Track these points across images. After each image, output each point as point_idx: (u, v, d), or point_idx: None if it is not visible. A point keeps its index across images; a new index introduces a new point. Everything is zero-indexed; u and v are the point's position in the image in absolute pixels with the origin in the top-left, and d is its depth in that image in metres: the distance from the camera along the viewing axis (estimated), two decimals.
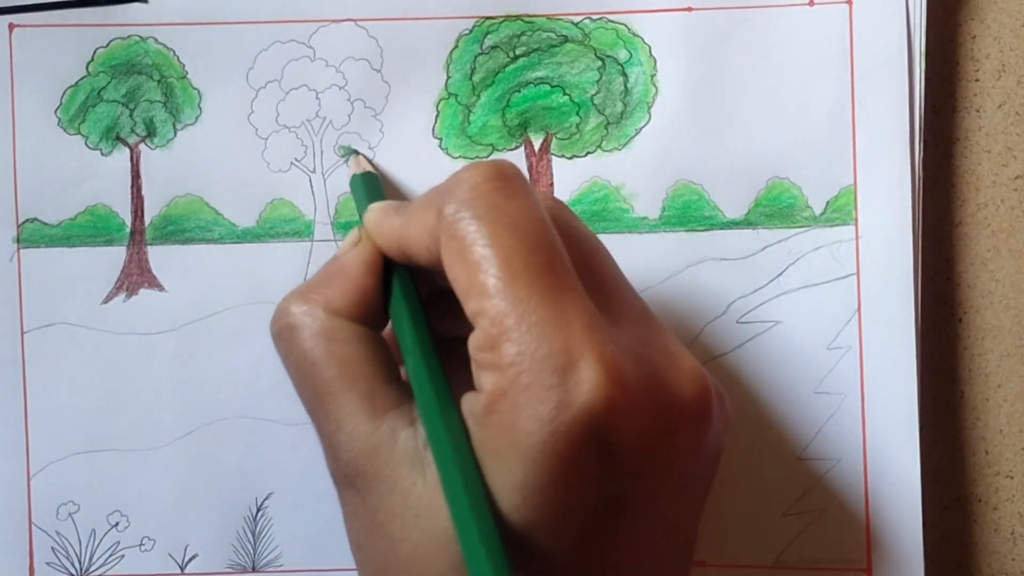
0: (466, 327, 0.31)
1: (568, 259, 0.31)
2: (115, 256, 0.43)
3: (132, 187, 0.43)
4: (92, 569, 0.43)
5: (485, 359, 0.30)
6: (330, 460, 0.34)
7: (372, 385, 0.33)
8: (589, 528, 0.30)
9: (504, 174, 0.32)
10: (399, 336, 0.34)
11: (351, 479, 0.33)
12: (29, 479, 0.43)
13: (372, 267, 0.35)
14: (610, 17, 0.43)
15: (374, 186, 0.40)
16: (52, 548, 0.43)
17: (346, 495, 0.34)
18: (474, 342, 0.30)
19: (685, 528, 0.36)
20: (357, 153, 0.43)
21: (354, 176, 0.41)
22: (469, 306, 0.30)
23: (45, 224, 0.43)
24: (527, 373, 0.29)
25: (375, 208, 0.36)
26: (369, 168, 0.42)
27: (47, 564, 0.43)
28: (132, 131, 0.43)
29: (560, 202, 0.35)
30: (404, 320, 0.34)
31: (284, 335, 0.34)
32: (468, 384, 0.31)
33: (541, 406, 0.29)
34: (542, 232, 0.31)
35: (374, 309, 0.35)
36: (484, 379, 0.30)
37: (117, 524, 0.43)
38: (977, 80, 0.44)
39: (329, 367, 0.33)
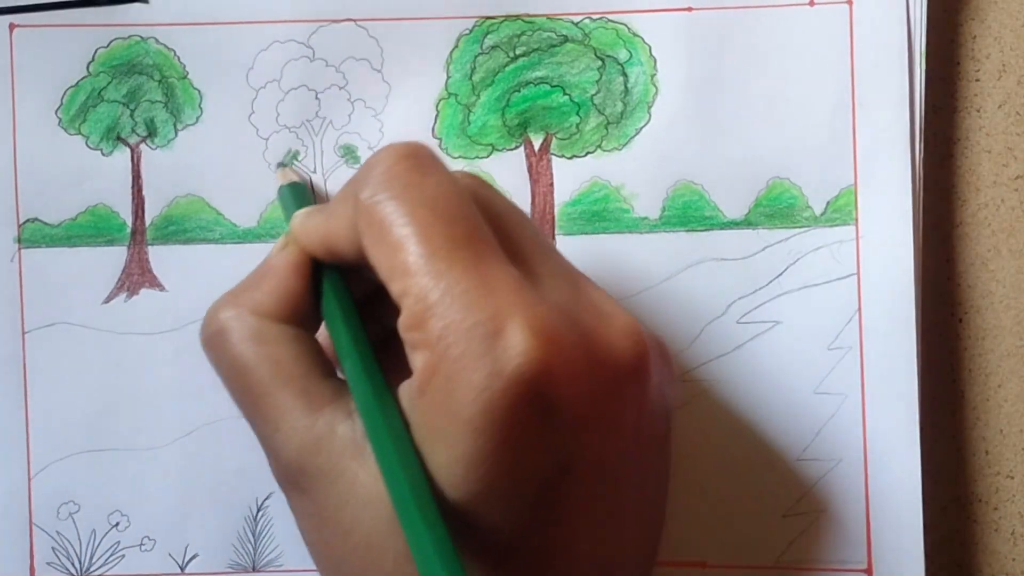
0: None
1: (488, 230, 0.31)
2: (116, 256, 0.43)
3: (133, 187, 0.43)
4: (92, 569, 0.43)
5: (414, 338, 0.30)
6: (272, 463, 0.34)
7: (306, 383, 0.33)
8: (537, 496, 0.30)
9: (416, 153, 0.32)
10: (332, 334, 0.34)
11: (295, 478, 0.33)
12: (30, 479, 0.43)
13: (300, 268, 0.35)
14: (610, 17, 0.43)
15: (302, 195, 0.41)
16: (52, 548, 0.43)
17: (293, 497, 0.34)
18: (402, 323, 0.30)
19: (648, 489, 0.36)
20: (283, 165, 0.43)
21: (281, 187, 0.42)
22: (394, 288, 0.30)
23: (46, 224, 0.43)
24: (456, 345, 0.29)
25: (300, 213, 0.36)
26: (296, 179, 0.42)
27: (47, 564, 0.43)
28: (133, 131, 0.43)
29: (478, 177, 0.35)
30: (336, 317, 0.34)
31: (214, 341, 0.34)
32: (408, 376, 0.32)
33: (474, 375, 0.28)
34: (459, 206, 0.31)
35: (303, 310, 0.35)
36: (416, 358, 0.30)
37: (117, 524, 0.43)
38: (977, 80, 0.44)
39: (261, 369, 0.33)
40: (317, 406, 0.32)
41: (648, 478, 0.35)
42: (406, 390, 0.31)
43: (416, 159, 0.32)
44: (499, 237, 0.32)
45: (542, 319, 0.29)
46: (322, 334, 0.35)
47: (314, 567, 0.43)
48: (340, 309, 0.34)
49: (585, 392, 0.30)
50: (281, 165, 0.43)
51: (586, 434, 0.30)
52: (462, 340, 0.29)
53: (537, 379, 0.29)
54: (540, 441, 0.29)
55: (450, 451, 0.29)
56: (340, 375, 0.34)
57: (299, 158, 0.43)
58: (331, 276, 0.35)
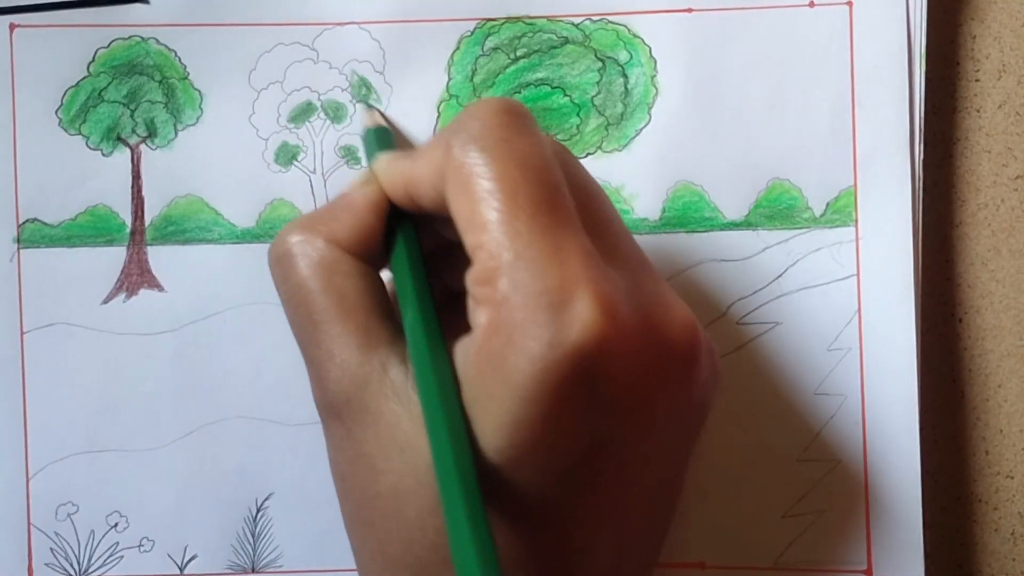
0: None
1: (570, 199, 0.31)
2: (115, 256, 0.43)
3: (132, 187, 0.43)
4: (91, 570, 0.43)
5: (481, 293, 0.30)
6: (317, 390, 0.34)
7: (367, 319, 0.33)
8: (573, 468, 0.30)
9: (514, 110, 0.32)
10: (397, 280, 0.34)
11: (338, 409, 0.33)
12: (28, 480, 0.43)
13: (378, 207, 0.34)
14: (610, 18, 0.43)
15: (386, 140, 0.40)
16: (51, 549, 0.43)
17: (332, 426, 0.34)
18: (471, 276, 0.30)
19: (670, 478, 0.36)
20: (371, 107, 0.43)
21: (367, 130, 0.41)
22: (469, 240, 0.30)
23: (45, 224, 0.43)
24: (521, 308, 0.29)
25: (385, 155, 0.36)
26: (383, 123, 0.42)
27: (46, 565, 0.43)
28: (133, 131, 0.43)
29: (564, 147, 0.35)
30: (403, 264, 0.34)
31: (283, 261, 0.34)
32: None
33: (534, 342, 0.28)
34: (547, 170, 0.31)
35: (375, 249, 0.34)
36: (479, 315, 0.30)
37: (116, 525, 0.43)
38: (977, 80, 0.44)
39: (325, 297, 0.33)
40: (374, 344, 0.32)
41: (672, 470, 0.36)
42: (463, 345, 0.31)
43: (512, 116, 0.32)
44: (579, 209, 0.31)
45: (608, 296, 0.29)
46: (387, 280, 0.35)
47: (315, 568, 0.43)
48: (408, 257, 0.34)
49: (638, 373, 0.30)
50: (366, 105, 0.43)
51: (629, 414, 0.31)
52: (527, 304, 0.29)
53: (595, 354, 0.29)
54: (585, 415, 0.30)
55: (496, 414, 0.29)
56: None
57: (371, 98, 0.43)
58: (405, 226, 0.35)
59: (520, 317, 0.29)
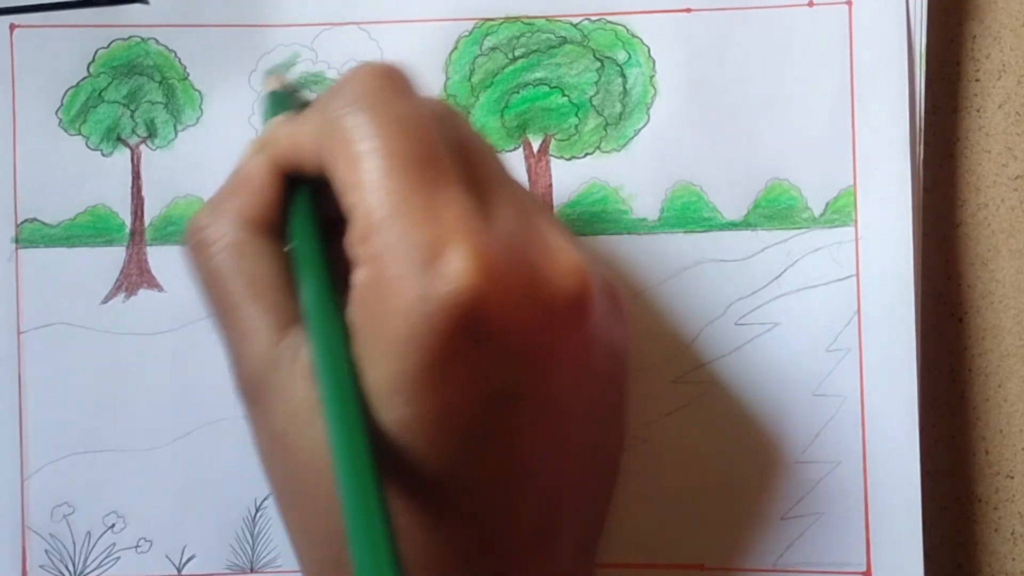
0: None
1: (447, 157, 0.31)
2: (114, 256, 0.43)
3: (132, 188, 0.43)
4: (87, 571, 0.43)
5: (358, 253, 0.30)
6: (235, 372, 0.34)
7: (278, 299, 0.33)
8: (475, 425, 0.30)
9: (391, 73, 0.32)
10: (294, 255, 0.34)
11: (254, 390, 0.33)
12: (23, 481, 0.43)
13: (276, 176, 0.34)
14: (609, 18, 0.43)
15: (284, 103, 0.39)
16: (46, 551, 0.43)
17: (250, 408, 0.34)
18: (349, 238, 0.30)
19: (600, 434, 0.36)
20: (273, 73, 0.42)
21: (263, 96, 0.40)
22: (346, 200, 0.30)
23: (45, 224, 0.43)
24: (394, 264, 0.29)
25: (273, 120, 0.36)
26: (277, 88, 0.41)
27: (40, 567, 0.43)
28: (133, 132, 0.43)
29: (448, 106, 0.35)
30: (297, 230, 0.34)
31: (196, 251, 0.34)
32: None
33: (406, 296, 0.29)
34: (422, 129, 0.31)
35: (279, 220, 0.34)
36: (357, 275, 0.30)
37: (113, 526, 0.43)
38: (977, 80, 0.44)
39: (236, 280, 0.33)
40: (284, 324, 0.32)
41: (596, 419, 0.35)
42: (349, 310, 0.31)
43: (389, 78, 0.32)
44: (460, 164, 0.32)
45: (483, 247, 0.29)
46: None
47: None
48: (300, 224, 0.34)
49: (521, 323, 0.30)
50: (270, 72, 0.42)
51: (523, 366, 0.31)
52: (400, 260, 0.29)
53: (468, 307, 0.29)
54: (470, 368, 0.30)
55: (382, 371, 0.29)
56: None
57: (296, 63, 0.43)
58: (300, 190, 0.35)
59: (393, 272, 0.29)
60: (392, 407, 0.29)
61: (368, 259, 0.30)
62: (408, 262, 0.29)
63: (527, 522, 0.33)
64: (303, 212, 0.34)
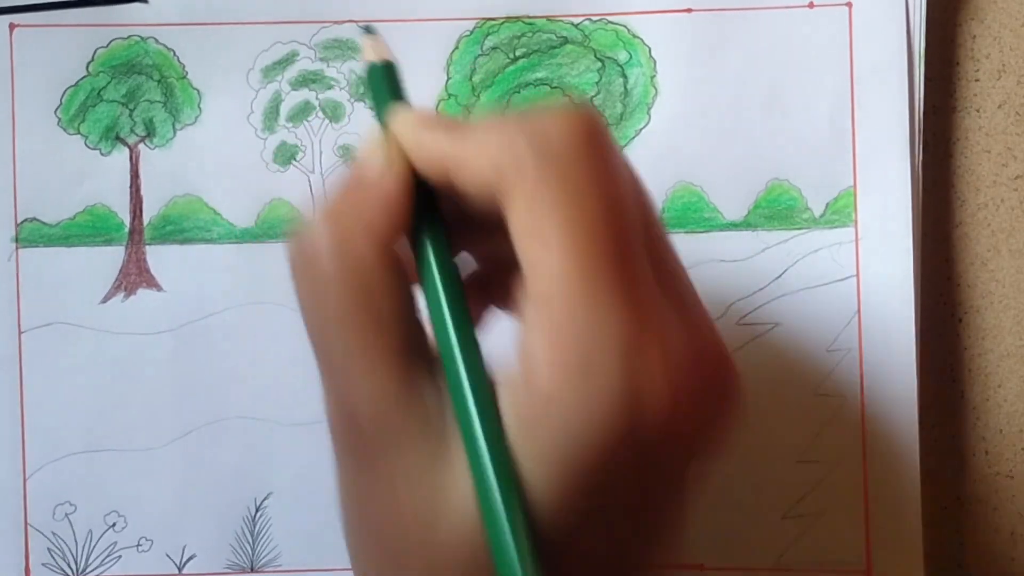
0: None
1: (643, 248, 0.28)
2: (113, 256, 0.43)
3: (131, 187, 0.43)
4: (89, 570, 0.43)
5: (534, 319, 0.27)
6: (337, 418, 0.30)
7: (399, 343, 0.28)
8: (620, 527, 0.29)
9: (599, 129, 0.28)
10: (429, 304, 0.29)
11: (362, 446, 0.29)
12: (25, 480, 0.43)
13: (409, 189, 0.29)
14: (610, 18, 0.43)
15: (395, 82, 0.32)
16: (48, 549, 0.43)
17: (346, 459, 0.30)
18: (529, 296, 0.27)
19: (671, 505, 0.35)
20: (370, 32, 0.33)
21: (372, 65, 0.32)
22: (524, 248, 0.27)
23: (44, 224, 0.43)
24: (588, 354, 0.26)
25: (408, 117, 0.30)
26: (388, 57, 0.33)
27: (43, 565, 0.43)
28: (132, 131, 0.43)
29: (629, 164, 0.31)
30: (433, 288, 0.29)
31: (306, 268, 0.29)
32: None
33: (591, 388, 0.26)
34: (626, 216, 0.28)
35: (401, 237, 0.29)
36: (532, 341, 0.27)
37: (114, 524, 0.43)
38: (977, 80, 0.44)
39: (356, 315, 0.28)
40: (406, 370, 0.28)
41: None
42: (509, 381, 0.28)
43: (597, 136, 0.28)
44: (645, 240, 0.29)
45: (673, 361, 0.27)
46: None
47: (313, 568, 0.43)
48: (442, 280, 0.29)
49: (690, 434, 0.29)
50: (367, 31, 0.33)
51: (670, 467, 0.29)
52: (589, 346, 0.26)
53: (655, 419, 0.27)
54: (636, 481, 0.28)
55: (547, 476, 0.27)
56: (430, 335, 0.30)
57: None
58: (435, 233, 0.30)
59: (586, 364, 0.26)
60: (550, 493, 0.27)
61: (548, 329, 0.27)
62: (601, 352, 0.26)
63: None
64: (442, 262, 0.29)
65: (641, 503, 0.29)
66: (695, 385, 0.28)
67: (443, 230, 0.30)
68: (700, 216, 0.43)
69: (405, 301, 0.29)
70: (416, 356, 0.29)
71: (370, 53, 0.32)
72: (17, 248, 0.43)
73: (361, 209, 0.28)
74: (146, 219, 0.43)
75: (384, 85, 0.32)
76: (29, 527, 0.43)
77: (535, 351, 0.27)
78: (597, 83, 0.43)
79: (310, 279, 0.29)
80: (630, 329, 0.27)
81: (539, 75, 0.43)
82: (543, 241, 0.27)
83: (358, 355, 0.28)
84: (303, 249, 0.29)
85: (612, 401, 0.26)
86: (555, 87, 0.43)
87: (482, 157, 0.28)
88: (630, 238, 0.28)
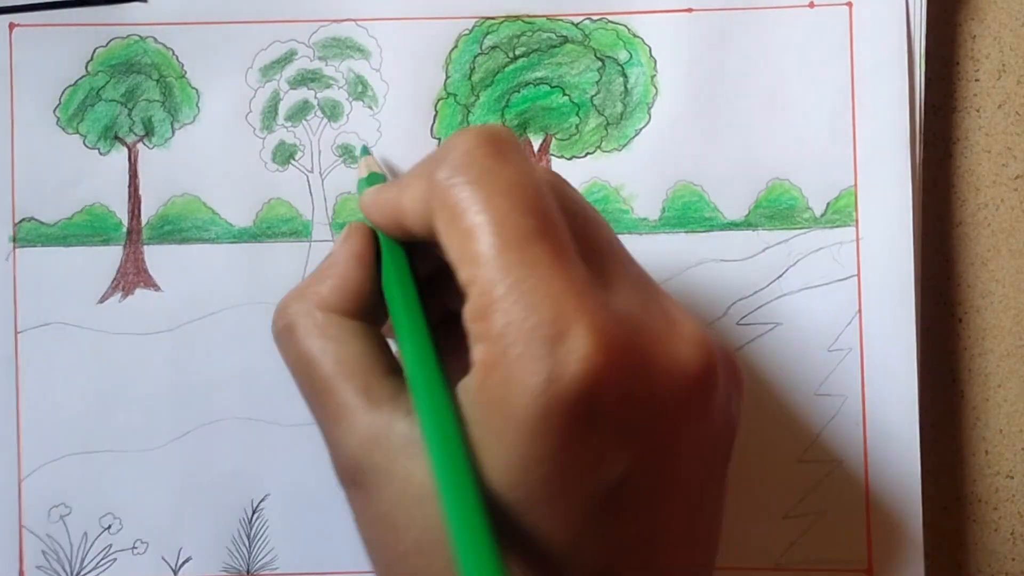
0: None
1: (563, 226, 0.30)
2: (111, 256, 0.43)
3: (130, 186, 0.43)
4: (83, 572, 0.43)
5: (477, 330, 0.29)
6: (333, 457, 0.33)
7: (368, 379, 0.32)
8: (593, 506, 0.29)
9: (498, 138, 0.31)
10: (393, 318, 0.34)
11: (353, 474, 0.32)
12: (20, 481, 0.43)
13: (362, 259, 0.34)
14: (610, 18, 0.43)
15: (377, 180, 0.40)
16: (43, 551, 0.43)
17: (351, 493, 0.33)
18: (467, 313, 0.30)
19: (708, 501, 0.35)
20: (367, 153, 0.43)
21: (360, 181, 0.41)
22: (461, 275, 0.30)
23: (42, 223, 0.43)
24: (516, 344, 0.28)
25: (370, 189, 0.35)
26: (377, 169, 0.41)
27: (37, 568, 0.43)
28: (130, 130, 0.43)
29: (555, 173, 0.34)
30: (396, 300, 0.33)
31: (283, 336, 0.34)
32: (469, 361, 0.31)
33: (532, 378, 0.28)
34: (536, 197, 0.30)
35: (368, 302, 0.34)
36: (476, 351, 0.29)
37: (110, 527, 0.43)
38: (977, 80, 0.44)
39: (325, 365, 0.33)
40: (377, 403, 0.32)
41: (713, 489, 0.35)
42: (465, 384, 0.30)
43: (497, 144, 0.31)
44: (575, 235, 0.31)
45: (606, 325, 0.29)
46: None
47: (309, 570, 0.43)
48: (400, 291, 0.34)
49: (645, 402, 0.29)
50: (365, 151, 0.43)
51: (642, 447, 0.30)
52: (523, 340, 0.28)
53: (596, 387, 0.28)
54: (596, 449, 0.29)
55: (503, 453, 0.29)
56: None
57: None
58: (396, 257, 0.35)
59: (516, 352, 0.28)
60: (517, 488, 0.29)
61: (487, 337, 0.29)
62: (532, 342, 0.28)
63: None
64: (402, 282, 0.34)
65: (617, 489, 0.30)
66: (648, 366, 0.30)
67: (410, 278, 0.34)
68: (700, 216, 0.43)
69: (366, 351, 0.33)
70: (384, 395, 0.32)
71: (361, 171, 0.41)
72: (15, 248, 0.43)
73: (319, 283, 0.34)
74: (144, 219, 0.43)
75: (367, 185, 0.38)
76: (24, 529, 0.43)
77: (477, 356, 0.29)
78: (597, 82, 0.43)
79: (286, 345, 0.34)
80: (553, 304, 0.28)
81: (539, 74, 0.43)
82: (462, 237, 0.29)
83: (328, 403, 0.32)
84: (279, 317, 0.34)
85: (542, 389, 0.28)
86: (555, 86, 0.43)
87: (412, 197, 0.32)
88: (545, 222, 0.30)
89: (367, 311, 0.34)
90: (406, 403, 0.32)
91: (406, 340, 0.32)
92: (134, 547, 0.43)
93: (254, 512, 0.43)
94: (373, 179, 0.40)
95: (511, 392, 0.28)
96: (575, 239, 0.31)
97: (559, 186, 0.33)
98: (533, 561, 0.29)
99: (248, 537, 0.43)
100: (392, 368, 0.33)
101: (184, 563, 0.43)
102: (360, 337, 0.33)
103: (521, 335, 0.28)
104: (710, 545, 0.36)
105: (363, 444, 0.31)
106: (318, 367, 0.33)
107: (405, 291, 0.34)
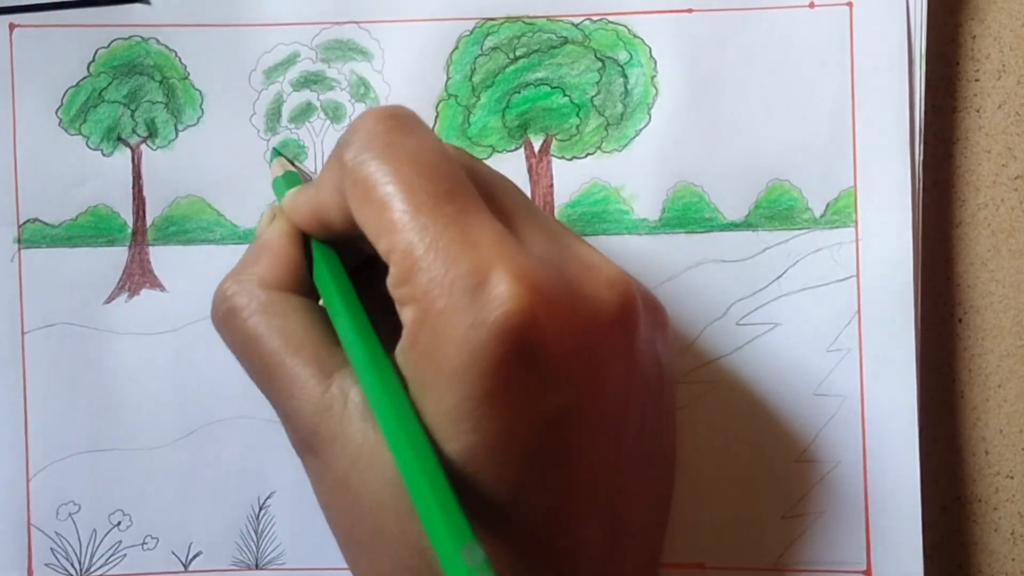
0: None
1: (471, 187, 0.32)
2: (117, 256, 0.43)
3: (134, 188, 0.43)
4: (93, 569, 0.43)
5: (402, 294, 0.30)
6: (289, 430, 0.34)
7: (316, 350, 0.33)
8: (532, 449, 0.30)
9: (397, 114, 0.32)
10: (326, 300, 0.35)
11: (309, 443, 0.33)
12: (28, 480, 0.43)
13: (293, 238, 0.35)
14: (610, 18, 0.43)
15: (294, 182, 0.40)
16: (51, 549, 0.43)
17: (308, 461, 0.34)
18: (391, 280, 0.30)
19: (650, 444, 0.36)
20: (279, 154, 0.43)
21: (275, 180, 0.41)
22: (381, 246, 0.31)
23: (46, 224, 0.43)
24: (440, 298, 0.29)
25: (290, 193, 0.36)
26: (291, 168, 0.42)
27: (46, 565, 0.43)
28: (133, 132, 0.43)
29: (460, 148, 0.36)
30: (327, 284, 0.34)
31: (226, 320, 0.35)
32: None
33: (458, 327, 0.29)
34: (442, 162, 0.31)
35: (305, 280, 0.35)
36: (405, 314, 0.30)
37: (119, 524, 0.43)
38: (977, 80, 0.44)
39: (272, 340, 0.33)
40: (328, 372, 0.33)
41: (647, 431, 0.35)
42: (400, 348, 0.31)
43: (397, 119, 0.32)
44: (486, 200, 0.32)
45: (524, 269, 0.29)
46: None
47: (316, 565, 0.43)
48: (331, 275, 0.34)
49: (571, 341, 0.30)
50: (276, 153, 0.43)
51: (575, 384, 0.31)
52: (446, 292, 0.29)
53: (520, 328, 0.29)
54: (527, 390, 0.30)
55: (440, 403, 0.29)
56: None
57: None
58: (321, 245, 0.35)
59: (441, 305, 0.29)
60: (455, 438, 0.30)
61: (413, 297, 0.30)
62: (455, 293, 0.29)
63: (594, 546, 0.33)
64: (331, 262, 0.35)
65: (555, 429, 0.31)
66: (570, 305, 0.31)
67: (336, 258, 0.35)
68: (700, 216, 0.43)
69: (311, 323, 0.34)
70: (334, 364, 0.33)
71: (275, 170, 0.41)
72: (19, 249, 0.43)
73: (253, 264, 0.35)
74: (149, 220, 0.43)
75: (283, 188, 0.39)
76: (32, 527, 0.43)
77: (406, 318, 0.30)
78: (597, 83, 0.43)
79: (230, 328, 0.35)
80: (471, 255, 0.29)
81: (539, 75, 0.43)
82: (376, 209, 0.31)
83: (280, 376, 0.33)
84: (219, 302, 0.35)
85: (468, 336, 0.29)
86: (555, 87, 0.43)
87: (327, 189, 0.33)
88: (454, 184, 0.31)
89: (306, 286, 0.35)
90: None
91: (338, 311, 0.33)
92: (144, 543, 0.43)
93: (261, 508, 0.43)
94: (289, 178, 0.40)
95: (440, 344, 0.29)
96: (488, 203, 0.32)
97: (464, 157, 0.35)
98: (480, 510, 0.30)
99: (256, 532, 0.43)
100: (338, 340, 0.34)
101: (194, 557, 0.43)
102: (303, 311, 0.34)
103: (444, 289, 0.29)
104: (661, 500, 0.37)
105: (318, 412, 0.32)
106: (265, 343, 0.34)
107: (333, 271, 0.35)
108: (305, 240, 0.36)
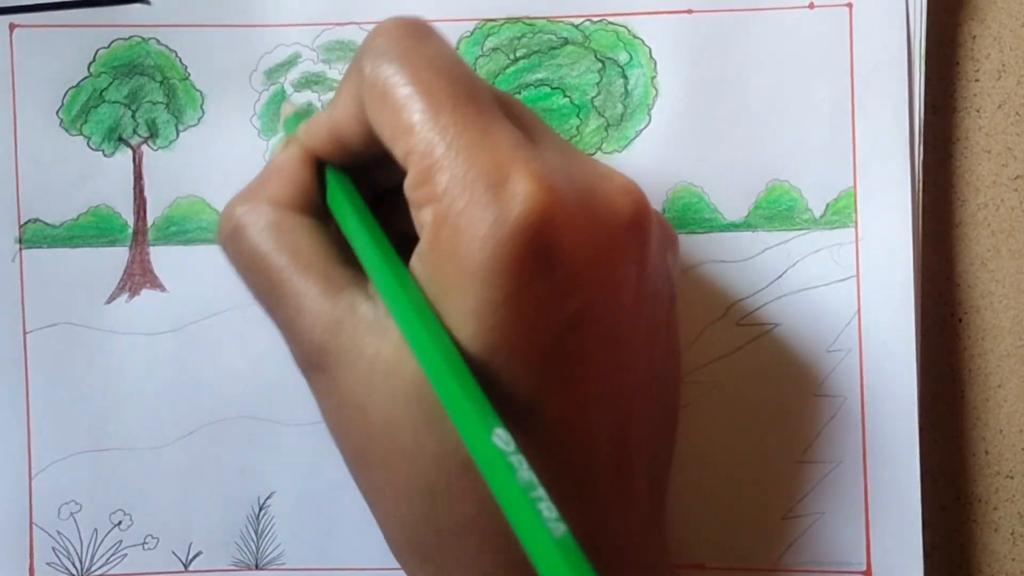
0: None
1: (488, 92, 0.32)
2: (117, 257, 0.43)
3: (135, 188, 0.43)
4: (94, 568, 0.43)
5: (421, 195, 0.30)
6: (294, 348, 0.34)
7: (325, 267, 0.33)
8: (549, 350, 0.30)
9: (414, 22, 0.32)
10: (341, 222, 0.34)
11: (317, 360, 0.32)
12: (31, 479, 0.43)
13: (307, 162, 0.35)
14: (610, 19, 0.43)
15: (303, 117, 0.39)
16: (53, 548, 0.43)
17: (315, 379, 0.33)
18: (408, 183, 0.30)
19: (658, 353, 0.36)
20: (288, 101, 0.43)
21: (287, 119, 0.39)
22: (399, 150, 0.30)
23: (47, 225, 0.43)
24: (461, 196, 0.29)
25: (305, 121, 0.36)
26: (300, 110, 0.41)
27: (47, 564, 0.43)
28: (134, 132, 0.43)
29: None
30: (343, 204, 0.34)
31: (233, 237, 0.34)
32: None
33: (479, 225, 0.29)
34: (460, 66, 0.31)
35: (317, 202, 0.35)
36: (424, 215, 0.30)
37: (120, 523, 0.43)
38: (977, 80, 0.44)
39: (281, 256, 0.33)
40: (337, 288, 0.32)
41: (654, 344, 0.36)
42: (418, 250, 0.31)
43: (414, 27, 0.32)
44: (499, 104, 0.32)
45: (543, 170, 0.30)
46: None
47: (316, 565, 0.43)
48: (346, 196, 0.34)
49: (586, 243, 0.30)
50: (285, 103, 0.43)
51: (589, 287, 0.31)
52: (467, 191, 0.29)
53: (542, 226, 0.29)
54: (547, 291, 0.30)
55: (462, 303, 0.29)
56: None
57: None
58: (335, 170, 0.35)
59: (462, 204, 0.29)
60: (478, 337, 0.29)
61: (433, 197, 0.30)
62: (477, 190, 0.29)
63: (604, 452, 0.33)
64: (346, 185, 0.34)
65: (570, 335, 0.31)
66: (585, 209, 0.31)
67: (349, 182, 0.35)
68: (700, 216, 0.43)
69: (321, 242, 0.33)
70: (343, 281, 0.32)
71: (285, 111, 0.39)
72: (21, 249, 0.43)
73: (264, 185, 0.34)
74: (150, 220, 0.43)
75: (295, 124, 0.37)
76: (34, 526, 0.43)
77: (425, 219, 0.30)
78: (597, 84, 0.43)
79: (237, 245, 0.34)
80: (492, 155, 0.29)
81: (540, 76, 0.43)
82: (394, 112, 0.30)
83: (288, 293, 0.33)
84: (227, 219, 0.34)
85: (490, 233, 0.29)
86: (555, 88, 0.43)
87: (345, 103, 0.33)
88: (472, 88, 0.31)
89: (317, 210, 0.35)
90: (366, 288, 0.32)
91: (355, 229, 0.33)
92: (144, 543, 0.43)
93: (261, 508, 0.43)
94: (299, 116, 0.39)
95: (461, 243, 0.29)
96: (502, 107, 0.32)
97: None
98: (500, 413, 0.30)
99: (256, 532, 0.43)
100: (347, 259, 0.34)
101: (194, 557, 0.43)
102: (312, 230, 0.34)
103: (466, 186, 0.29)
104: (667, 421, 0.37)
105: (328, 328, 0.32)
106: (273, 260, 0.33)
107: (347, 191, 0.34)
108: (319, 168, 0.35)
